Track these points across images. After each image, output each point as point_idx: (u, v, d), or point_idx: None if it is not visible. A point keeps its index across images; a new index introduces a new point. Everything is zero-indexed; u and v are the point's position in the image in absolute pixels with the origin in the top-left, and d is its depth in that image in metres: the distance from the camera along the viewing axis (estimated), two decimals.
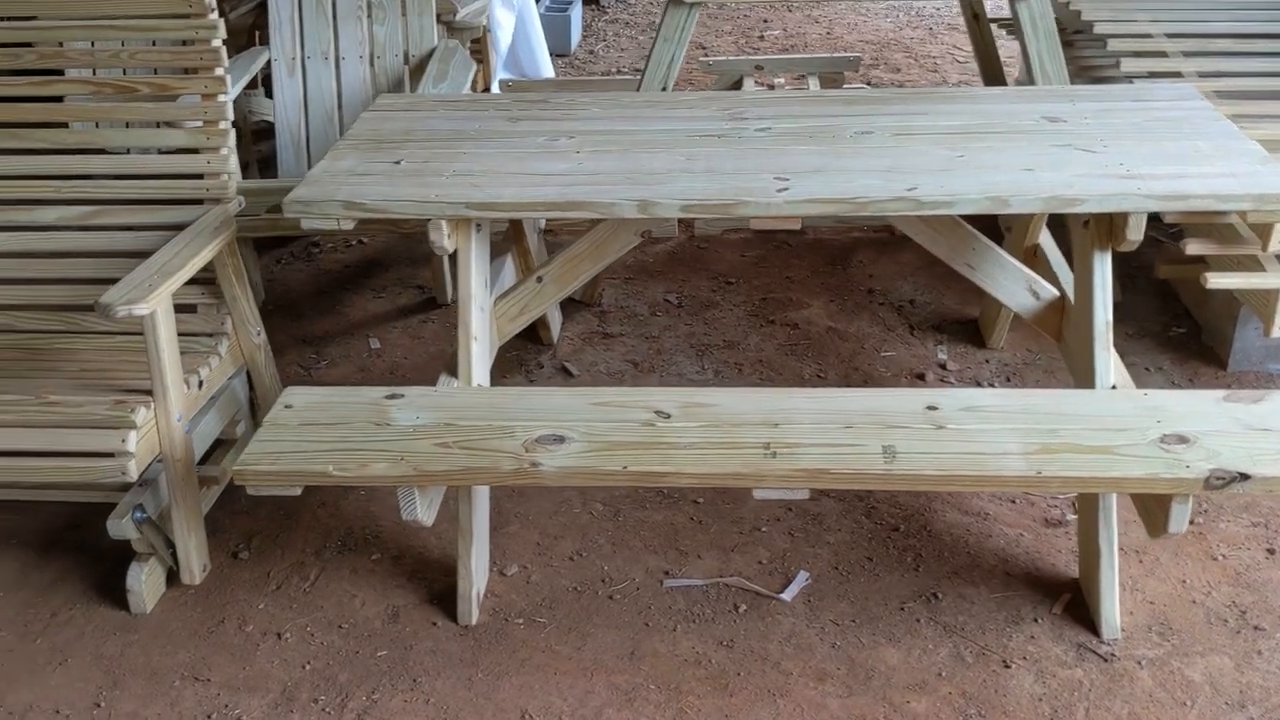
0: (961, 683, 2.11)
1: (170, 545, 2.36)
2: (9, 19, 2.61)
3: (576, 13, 6.24)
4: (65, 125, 2.61)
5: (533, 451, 2.03)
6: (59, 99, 2.63)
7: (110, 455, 2.15)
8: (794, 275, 3.64)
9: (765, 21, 6.65)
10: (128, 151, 2.67)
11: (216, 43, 2.52)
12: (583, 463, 1.99)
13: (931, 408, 2.09)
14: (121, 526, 2.25)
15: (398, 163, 2.39)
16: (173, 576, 2.40)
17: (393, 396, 2.20)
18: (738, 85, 4.40)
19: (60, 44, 2.62)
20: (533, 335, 3.24)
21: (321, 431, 2.11)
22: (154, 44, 2.70)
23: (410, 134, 2.55)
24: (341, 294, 3.64)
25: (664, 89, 3.21)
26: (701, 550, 2.47)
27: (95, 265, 2.59)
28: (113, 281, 2.54)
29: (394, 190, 2.26)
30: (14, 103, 2.60)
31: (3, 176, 2.59)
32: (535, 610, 2.32)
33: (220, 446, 2.62)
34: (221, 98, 2.55)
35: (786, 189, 2.19)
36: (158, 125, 2.70)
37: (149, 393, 2.25)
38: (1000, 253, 2.57)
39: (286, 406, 2.18)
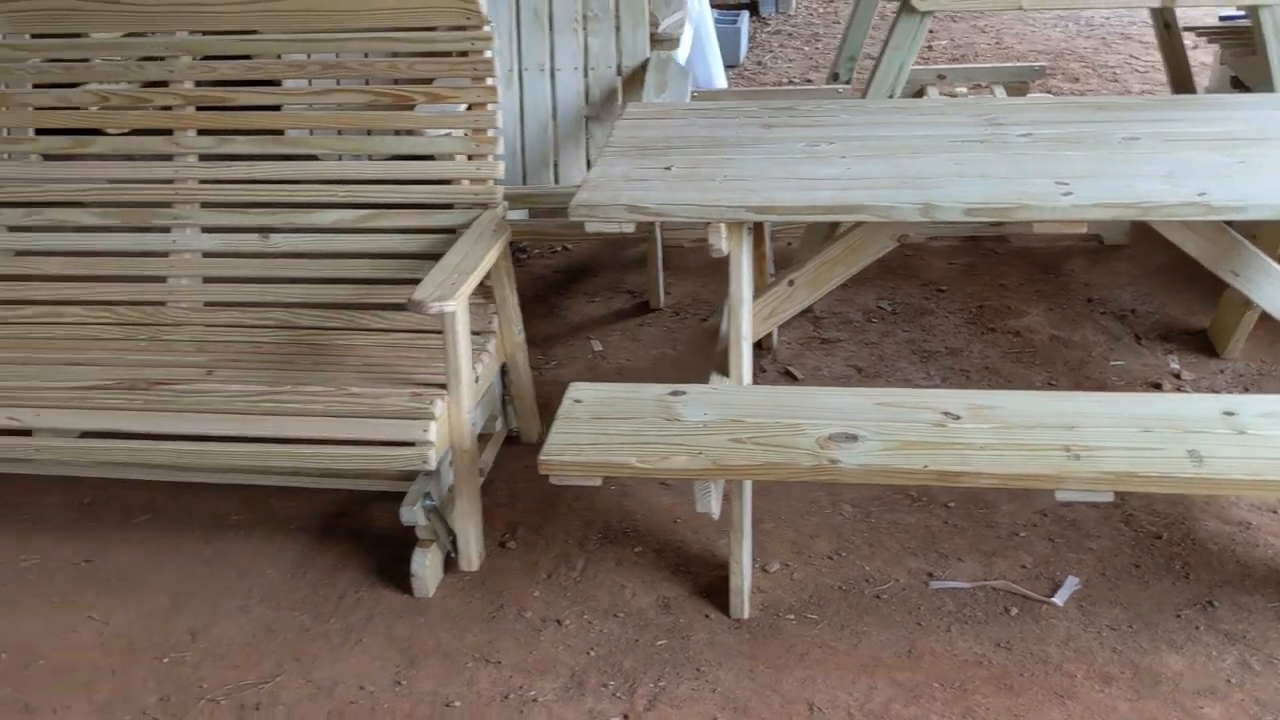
0: (1253, 690, 2.09)
1: (450, 533, 2.46)
2: (286, 34, 2.76)
3: (744, 25, 6.30)
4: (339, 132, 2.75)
5: (828, 449, 2.07)
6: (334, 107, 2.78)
7: (411, 444, 2.26)
8: (1007, 283, 3.64)
9: (931, 31, 6.63)
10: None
11: (490, 54, 2.64)
12: (882, 461, 2.03)
13: (1229, 413, 2.08)
14: (413, 513, 2.36)
15: (668, 168, 2.47)
16: (449, 562, 2.50)
17: (676, 394, 2.27)
18: (919, 94, 4.41)
19: (336, 55, 2.77)
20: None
21: (614, 425, 2.19)
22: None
23: (669, 141, 2.63)
24: (556, 298, 3.75)
25: (890, 96, 3.24)
26: (961, 553, 2.49)
27: (370, 266, 2.73)
28: (387, 282, 2.69)
29: (673, 195, 2.34)
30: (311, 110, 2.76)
31: (287, 181, 2.74)
32: (804, 607, 2.36)
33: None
34: (491, 106, 2.66)
35: (1070, 193, 2.21)
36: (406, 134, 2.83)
37: (440, 386, 2.36)
38: (1267, 260, 2.54)
39: (576, 401, 2.27)
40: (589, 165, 3.61)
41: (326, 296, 2.73)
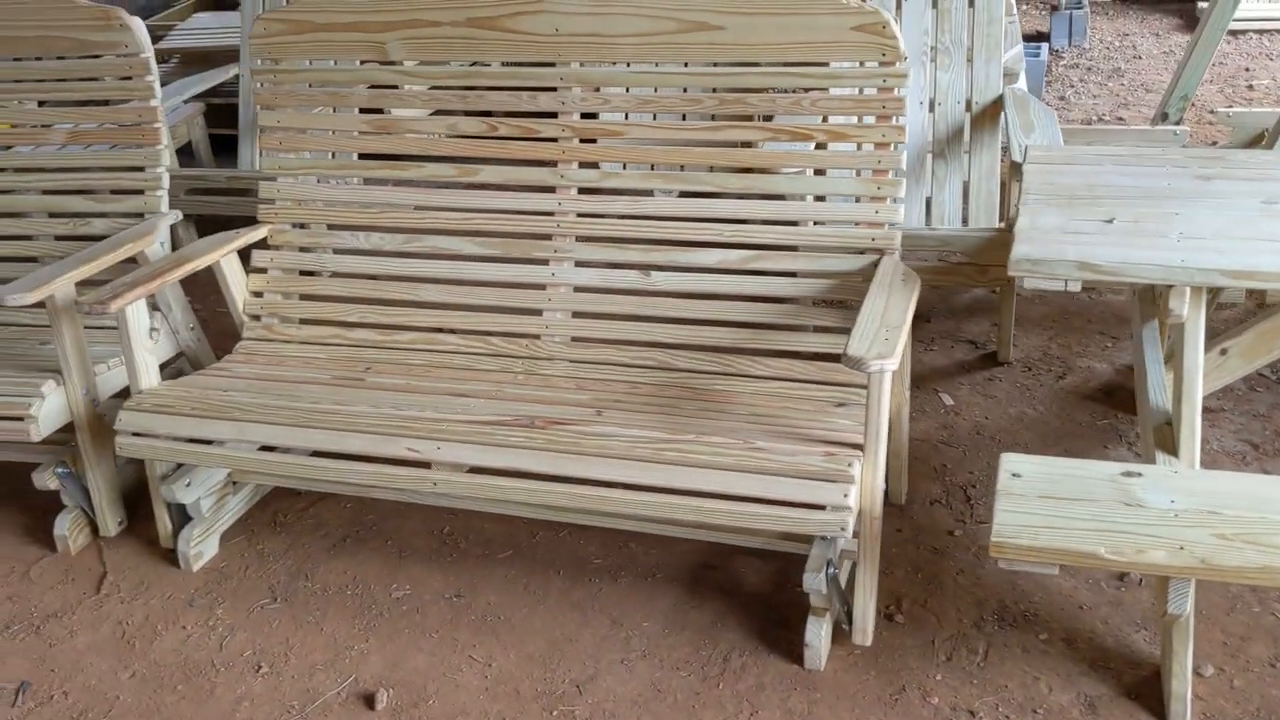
0: None
1: (845, 602, 2.30)
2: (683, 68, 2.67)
3: (1044, 58, 5.98)
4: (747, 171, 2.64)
5: None
6: (746, 144, 2.67)
7: (825, 508, 2.11)
8: None
9: (1247, 70, 6.14)
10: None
11: (902, 92, 2.48)
12: None
13: None
14: (817, 581, 2.20)
15: (1109, 221, 2.25)
16: (836, 632, 2.34)
17: (1130, 474, 2.05)
18: (1258, 140, 4.02)
19: (743, 90, 2.65)
20: (1110, 402, 3.02)
21: (1067, 508, 1.98)
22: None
23: (1094, 190, 2.41)
24: None
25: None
26: None
27: (751, 309, 2.61)
28: (769, 327, 2.56)
29: (1127, 253, 2.12)
30: (700, 146, 2.66)
31: (671, 217, 2.65)
32: None
33: None
34: (897, 147, 2.50)
35: None
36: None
37: (850, 445, 2.20)
38: None
39: (1014, 475, 2.07)
40: (928, 206, 3.41)
41: (704, 339, 2.63)
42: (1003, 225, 3.30)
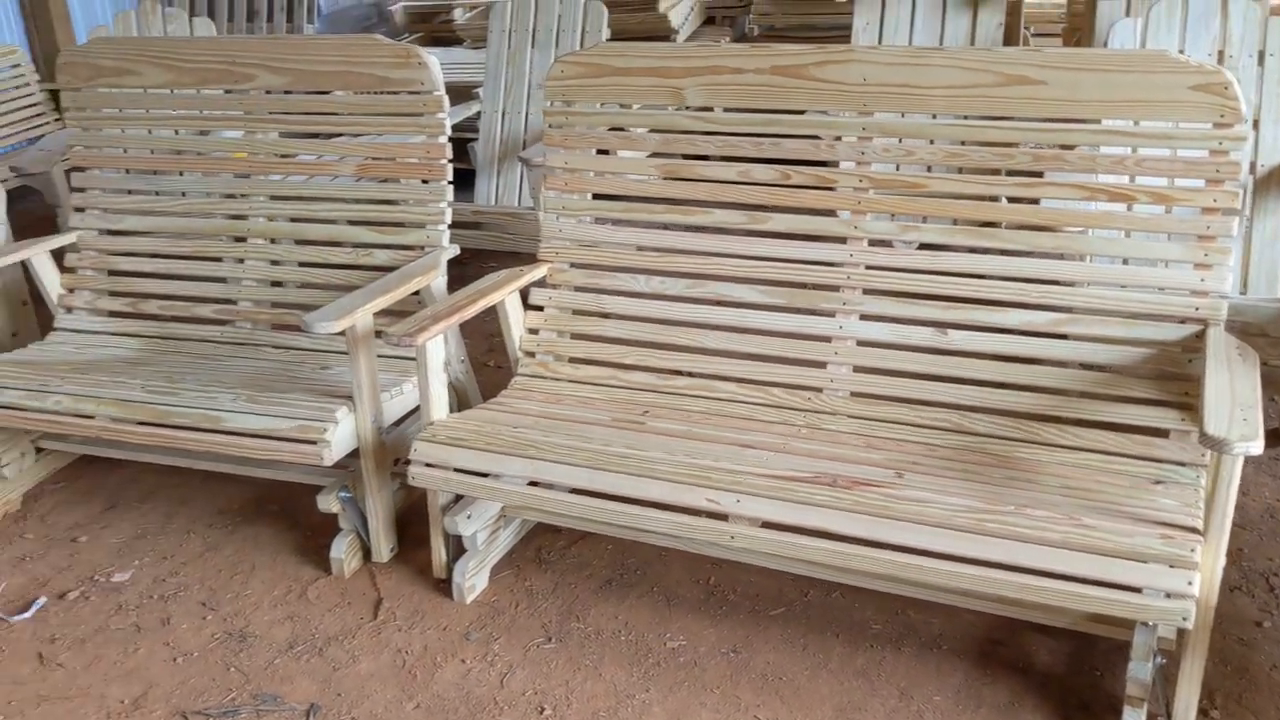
0: None
1: (1166, 697, 2.17)
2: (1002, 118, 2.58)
3: None
4: (1051, 229, 2.53)
5: None
6: (1036, 201, 2.58)
7: (1163, 594, 1.98)
8: None
9: None
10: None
11: (1238, 155, 2.35)
12: None
13: None
14: (1144, 670, 2.07)
15: None
16: None
17: None
18: None
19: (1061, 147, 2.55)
20: None
21: None
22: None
23: None
24: None
25: None
26: None
27: (1056, 375, 2.50)
28: (1077, 395, 2.44)
29: None
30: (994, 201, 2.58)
31: (971, 274, 2.57)
32: None
33: None
34: (1229, 213, 2.37)
35: None
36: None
37: (1184, 528, 2.07)
38: None
39: None
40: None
41: (1005, 403, 2.52)
42: None
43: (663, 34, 5.94)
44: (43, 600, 2.77)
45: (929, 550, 2.13)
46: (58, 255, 3.38)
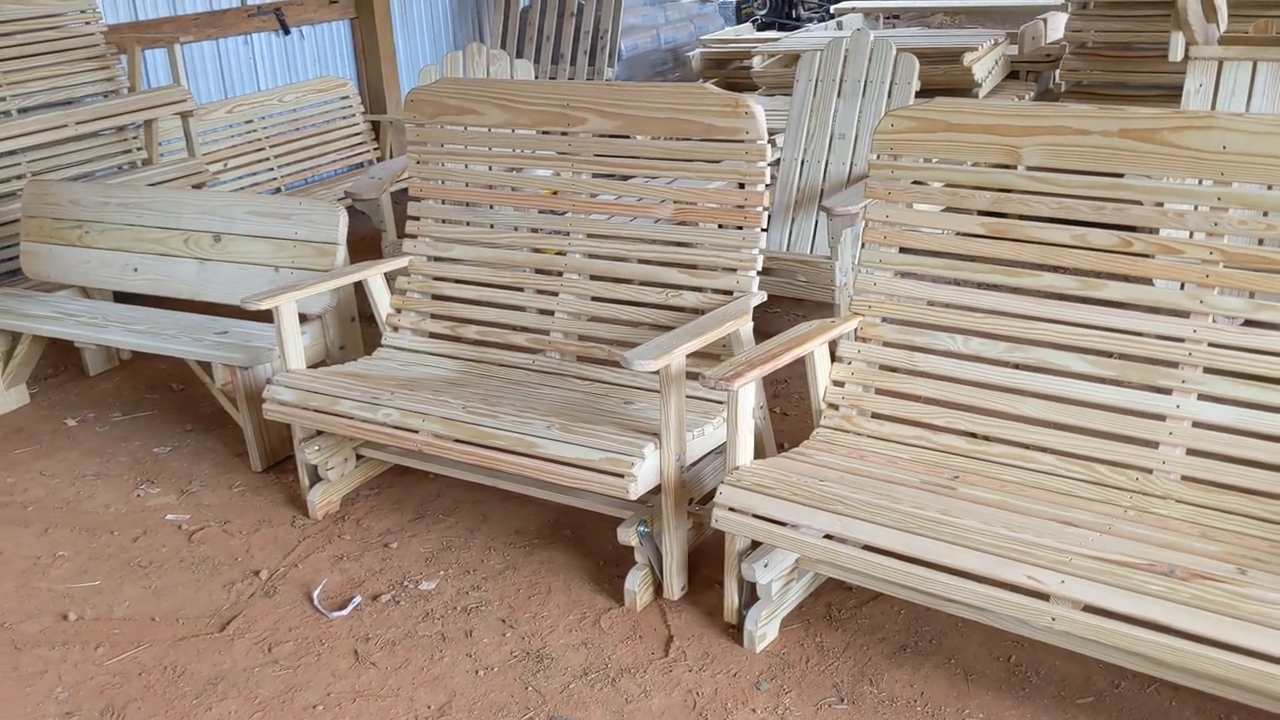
0: None
1: None
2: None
3: None
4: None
5: None
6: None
7: None
8: None
9: None
10: None
11: None
12: None
13: None
14: None
15: None
16: None
17: None
18: None
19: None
20: None
21: None
22: None
23: None
24: None
25: None
26: None
27: None
28: None
29: None
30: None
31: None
32: None
33: None
34: None
35: None
36: None
37: None
38: None
39: None
40: None
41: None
42: None
43: (965, 88, 5.82)
44: (358, 599, 2.96)
45: (1271, 655, 1.96)
46: (388, 277, 3.63)
